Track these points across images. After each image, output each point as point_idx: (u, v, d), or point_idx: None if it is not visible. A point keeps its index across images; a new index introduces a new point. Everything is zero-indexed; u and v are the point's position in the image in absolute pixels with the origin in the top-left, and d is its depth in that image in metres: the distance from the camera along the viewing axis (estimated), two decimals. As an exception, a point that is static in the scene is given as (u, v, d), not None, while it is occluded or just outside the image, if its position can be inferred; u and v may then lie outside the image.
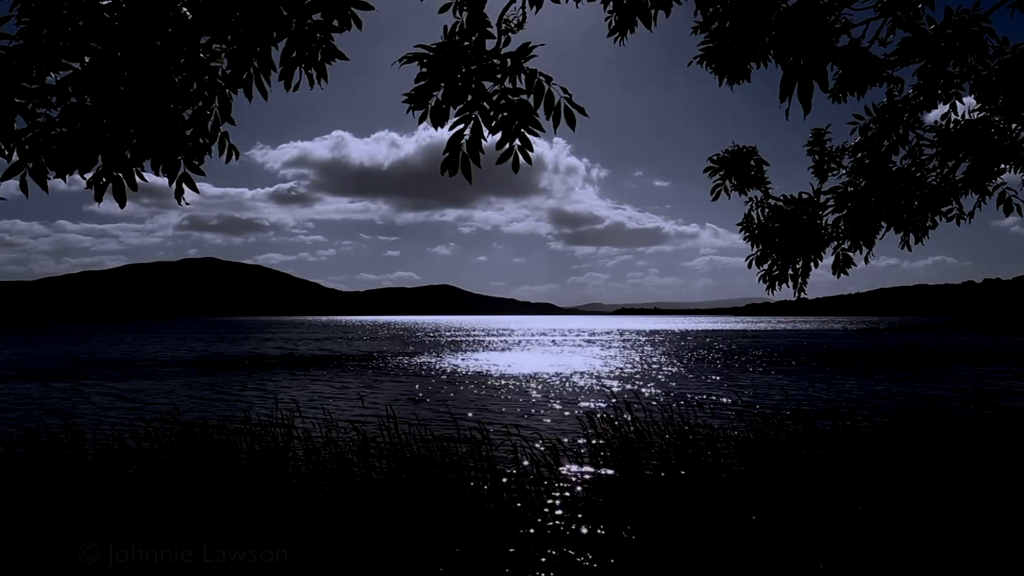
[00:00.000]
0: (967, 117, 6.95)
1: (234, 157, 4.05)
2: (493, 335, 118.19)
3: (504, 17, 4.39)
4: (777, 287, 7.52)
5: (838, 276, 7.69)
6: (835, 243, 7.61)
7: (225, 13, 3.53)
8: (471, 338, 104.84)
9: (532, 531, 9.09)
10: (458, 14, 4.14)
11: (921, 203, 7.29)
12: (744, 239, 7.62)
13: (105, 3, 3.45)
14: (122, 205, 3.62)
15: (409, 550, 8.14)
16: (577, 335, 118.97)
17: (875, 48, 5.50)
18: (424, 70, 3.88)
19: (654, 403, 22.76)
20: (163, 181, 3.82)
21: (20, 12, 3.38)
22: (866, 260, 7.72)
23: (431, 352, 66.91)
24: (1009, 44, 6.15)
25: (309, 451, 10.27)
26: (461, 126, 3.88)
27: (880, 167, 7.28)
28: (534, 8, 4.51)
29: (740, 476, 10.45)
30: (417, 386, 34.85)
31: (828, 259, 7.61)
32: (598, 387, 33.61)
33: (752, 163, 7.43)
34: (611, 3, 5.03)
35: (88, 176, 3.54)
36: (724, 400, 25.48)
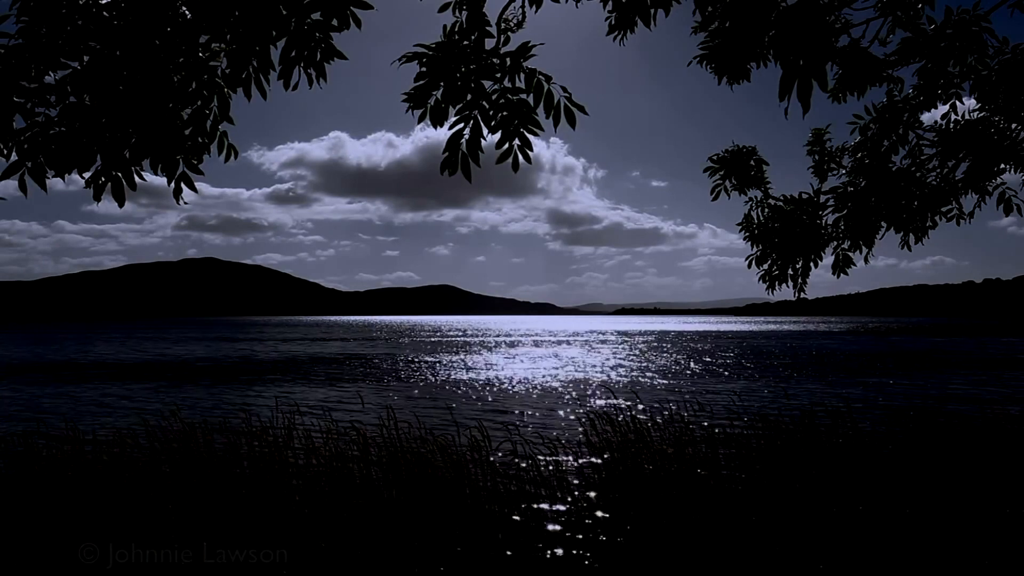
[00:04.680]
0: (967, 117, 6.94)
1: (233, 156, 4.05)
2: (494, 335, 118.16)
3: (503, 16, 4.39)
4: (777, 287, 7.51)
5: (838, 276, 7.69)
6: (835, 243, 7.61)
7: (224, 12, 3.53)
8: (472, 339, 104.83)
9: (532, 531, 9.09)
10: (457, 13, 4.14)
11: (921, 203, 7.28)
12: (744, 239, 7.61)
13: (104, 2, 3.45)
14: (121, 204, 3.61)
15: (409, 550, 8.13)
16: (577, 335, 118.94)
17: (875, 48, 5.49)
18: (423, 69, 3.88)
19: (654, 403, 22.76)
20: (161, 181, 3.81)
21: (19, 11, 3.38)
22: (866, 260, 7.72)
23: (431, 352, 66.90)
24: (1009, 44, 6.15)
25: (309, 451, 10.26)
26: (461, 125, 3.88)
27: (880, 167, 7.28)
28: (534, 8, 4.51)
29: (740, 476, 10.45)
30: (417, 386, 34.85)
31: (828, 259, 7.61)
32: (598, 387, 33.61)
33: (752, 163, 7.43)
34: (611, 2, 5.03)
35: (87, 175, 3.54)
36: (724, 400, 25.45)
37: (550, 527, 9.28)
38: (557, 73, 3.94)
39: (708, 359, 55.78)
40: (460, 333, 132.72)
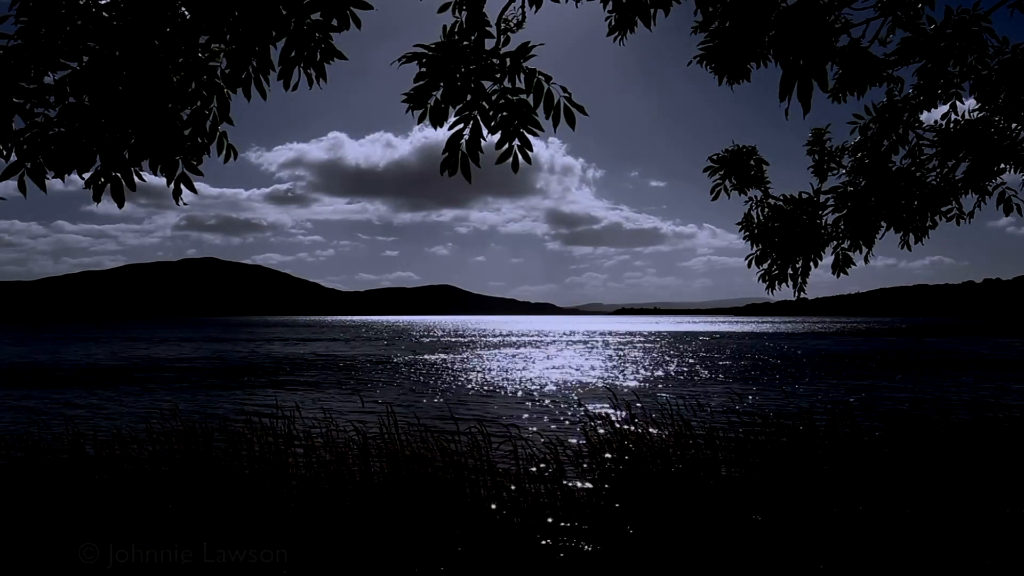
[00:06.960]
0: (967, 117, 6.94)
1: (232, 157, 4.04)
2: (493, 336, 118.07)
3: (503, 17, 4.39)
4: (777, 287, 7.51)
5: (838, 276, 7.68)
6: (835, 243, 7.60)
7: (224, 12, 3.52)
8: (471, 339, 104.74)
9: (532, 530, 9.08)
10: (457, 14, 4.14)
11: (921, 203, 7.27)
12: (744, 239, 7.60)
13: (104, 2, 3.45)
14: (120, 205, 3.61)
15: (409, 550, 8.13)
16: (577, 336, 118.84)
17: (875, 48, 5.48)
18: (423, 70, 3.87)
19: (654, 403, 22.75)
20: (160, 181, 3.81)
21: (18, 11, 3.37)
22: (866, 260, 7.71)
23: (431, 352, 66.88)
24: (1009, 44, 6.14)
25: (309, 451, 10.26)
26: (460, 126, 3.88)
27: (880, 167, 7.27)
28: (533, 8, 4.51)
29: (740, 476, 10.45)
30: (416, 386, 34.84)
31: (828, 259, 7.60)
32: (598, 387, 33.60)
33: (752, 163, 7.42)
34: (610, 3, 5.02)
35: (87, 176, 3.53)
36: (724, 400, 25.44)
37: (550, 526, 9.27)
38: (556, 73, 3.95)
39: (708, 359, 55.77)
40: (460, 333, 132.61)
